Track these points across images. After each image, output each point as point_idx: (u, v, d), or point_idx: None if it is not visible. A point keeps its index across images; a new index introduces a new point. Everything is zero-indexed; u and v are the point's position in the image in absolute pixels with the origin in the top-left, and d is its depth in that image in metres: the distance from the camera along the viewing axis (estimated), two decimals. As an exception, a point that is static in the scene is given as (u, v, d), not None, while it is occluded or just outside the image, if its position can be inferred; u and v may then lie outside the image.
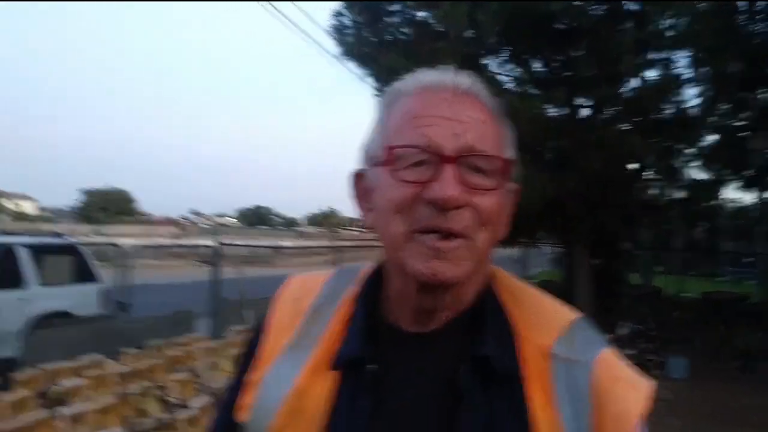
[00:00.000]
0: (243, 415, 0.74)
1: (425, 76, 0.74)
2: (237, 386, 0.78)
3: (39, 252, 7.48)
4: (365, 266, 0.82)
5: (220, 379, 5.07)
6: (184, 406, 4.40)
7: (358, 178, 0.78)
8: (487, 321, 0.73)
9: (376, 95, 9.22)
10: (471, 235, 0.69)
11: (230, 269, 8.90)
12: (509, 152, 0.75)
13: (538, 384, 0.69)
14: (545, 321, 0.74)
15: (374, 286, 0.78)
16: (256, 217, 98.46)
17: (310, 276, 0.85)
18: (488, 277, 0.77)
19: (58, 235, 9.05)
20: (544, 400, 0.68)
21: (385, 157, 0.70)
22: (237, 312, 8.09)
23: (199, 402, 4.43)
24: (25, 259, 7.27)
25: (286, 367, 0.74)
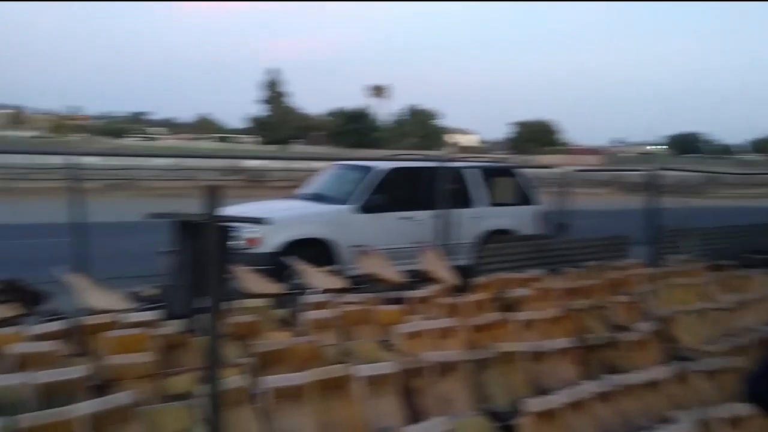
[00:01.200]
0: None
1: None
2: None
3: (488, 176, 8.38)
4: None
5: (664, 307, 4.84)
6: (627, 329, 4.36)
7: None
8: None
9: None
10: None
11: (664, 198, 8.30)
12: None
13: None
14: None
15: None
16: (688, 144, 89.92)
17: None
18: None
19: (502, 161, 9.96)
20: None
21: None
22: (674, 241, 7.58)
23: (643, 327, 4.33)
24: (476, 183, 8.24)
25: None
